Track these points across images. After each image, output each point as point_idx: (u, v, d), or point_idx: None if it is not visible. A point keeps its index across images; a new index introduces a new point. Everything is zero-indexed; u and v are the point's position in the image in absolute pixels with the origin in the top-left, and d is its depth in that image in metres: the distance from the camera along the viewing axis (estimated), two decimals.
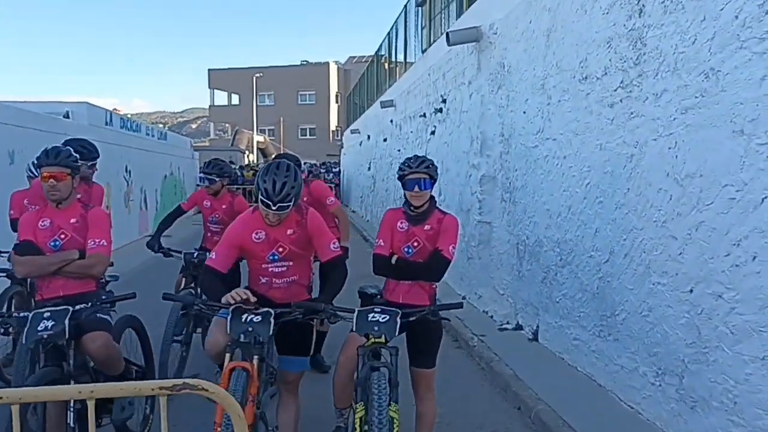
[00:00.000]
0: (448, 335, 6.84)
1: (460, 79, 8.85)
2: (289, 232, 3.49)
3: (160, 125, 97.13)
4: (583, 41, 5.18)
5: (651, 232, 4.24)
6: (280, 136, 57.42)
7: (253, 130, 49.15)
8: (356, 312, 3.28)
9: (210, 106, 64.30)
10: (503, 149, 7.14)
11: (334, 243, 3.57)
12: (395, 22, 17.69)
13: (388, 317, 3.25)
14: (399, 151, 14.32)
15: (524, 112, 6.52)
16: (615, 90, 4.70)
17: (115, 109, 56.13)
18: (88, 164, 5.02)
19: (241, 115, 54.90)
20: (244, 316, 3.18)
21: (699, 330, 3.74)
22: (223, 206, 5.72)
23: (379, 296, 3.76)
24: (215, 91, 62.43)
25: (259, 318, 3.17)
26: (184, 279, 5.54)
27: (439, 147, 10.09)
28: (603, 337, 4.89)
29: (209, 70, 62.31)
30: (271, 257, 3.49)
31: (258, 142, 49.11)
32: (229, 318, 3.18)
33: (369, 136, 20.73)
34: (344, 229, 5.71)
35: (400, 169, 3.59)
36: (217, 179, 5.59)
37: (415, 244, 3.61)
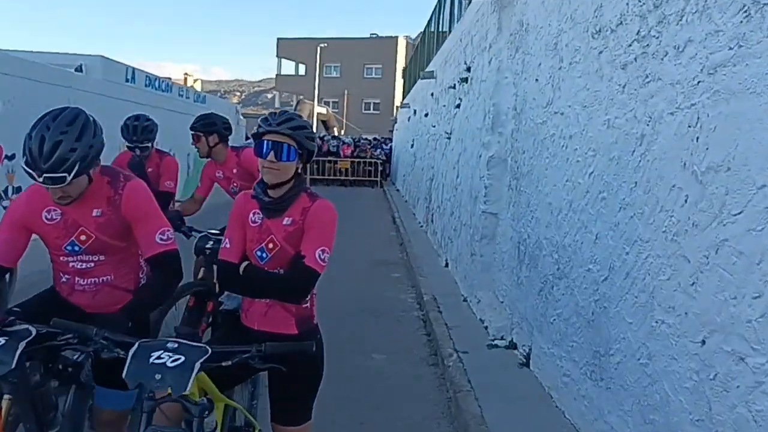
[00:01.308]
0: (428, 347, 5.69)
1: (483, 43, 7.53)
2: (95, 213, 2.44)
3: (237, 93, 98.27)
4: None
5: (659, 248, 2.95)
6: (344, 109, 56.83)
7: (313, 101, 48.54)
8: (136, 346, 2.02)
9: (276, 75, 64.16)
10: (515, 126, 5.85)
11: (163, 232, 2.48)
12: None
13: (181, 359, 1.96)
14: (434, 126, 13.08)
15: (536, 80, 5.21)
16: (629, 45, 3.37)
17: (185, 74, 56.46)
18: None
19: (306, 85, 54.38)
20: None
21: (710, 404, 2.46)
22: (149, 169, 4.76)
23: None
24: (283, 60, 62.24)
25: (2, 341, 2.11)
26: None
27: (461, 122, 8.82)
28: (594, 381, 3.63)
29: (278, 39, 62.07)
30: (69, 248, 2.46)
31: (320, 113, 48.53)
32: None
33: (415, 111, 19.45)
34: None
35: (258, 125, 2.43)
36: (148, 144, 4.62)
37: (270, 245, 2.44)
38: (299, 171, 2.46)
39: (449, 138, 9.84)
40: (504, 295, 5.82)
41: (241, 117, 27.04)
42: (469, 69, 8.38)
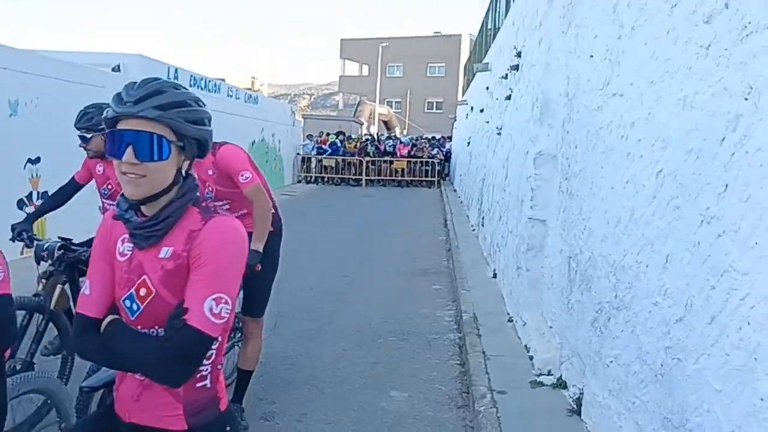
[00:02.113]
0: (459, 381, 4.76)
1: (534, 22, 6.51)
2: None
3: (306, 96, 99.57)
4: None
5: (763, 285, 1.94)
6: (406, 109, 56.18)
7: (375, 101, 47.99)
8: None
9: (340, 76, 64.22)
10: (566, 115, 4.82)
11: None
12: None
13: None
14: (487, 122, 12.04)
15: (591, 56, 4.18)
16: None
17: (252, 78, 57.44)
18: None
19: (369, 86, 54.06)
20: None
21: None
22: (98, 166, 4.02)
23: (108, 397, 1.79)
24: (347, 61, 62.32)
25: None
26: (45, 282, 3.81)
27: (511, 115, 7.79)
28: None
29: (341, 39, 62.28)
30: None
31: (381, 114, 47.98)
32: None
33: (472, 108, 18.37)
34: (258, 221, 3.64)
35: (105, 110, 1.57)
36: (88, 135, 3.82)
37: (143, 291, 1.59)
38: (184, 172, 1.60)
39: (499, 134, 8.82)
40: (553, 320, 4.81)
41: (297, 119, 26.66)
42: (519, 54, 7.35)
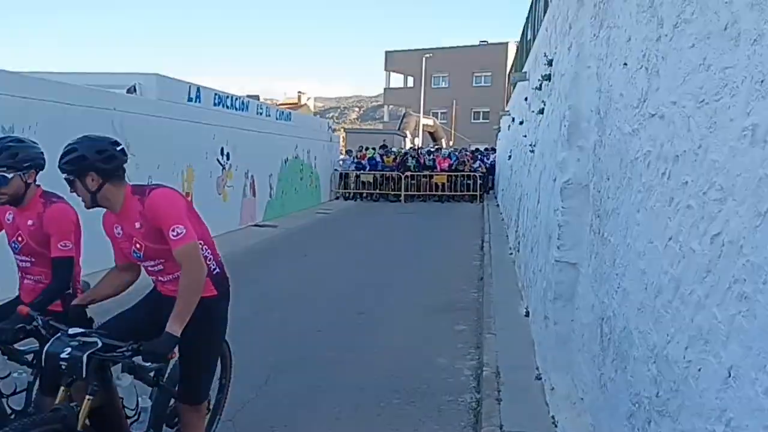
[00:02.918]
0: None
1: (564, 26, 5.60)
2: None
3: (356, 109, 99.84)
4: None
5: None
6: (452, 119, 55.39)
7: (419, 113, 47.26)
8: None
9: (385, 88, 63.96)
10: (598, 137, 3.90)
11: None
12: None
13: None
14: (525, 136, 11.07)
15: (624, 64, 3.27)
16: None
17: (299, 92, 57.26)
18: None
19: (414, 97, 53.54)
20: None
21: None
22: (29, 222, 3.27)
23: None
24: (392, 73, 62.08)
25: None
26: None
27: (544, 132, 6.87)
28: None
29: (386, 52, 62.11)
30: None
31: (426, 125, 47.25)
32: None
33: (513, 119, 17.35)
34: (182, 294, 2.72)
35: None
36: (9, 175, 3.12)
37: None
38: None
39: (532, 151, 7.88)
40: (584, 391, 3.87)
41: (336, 134, 26.07)
42: (550, 63, 6.43)
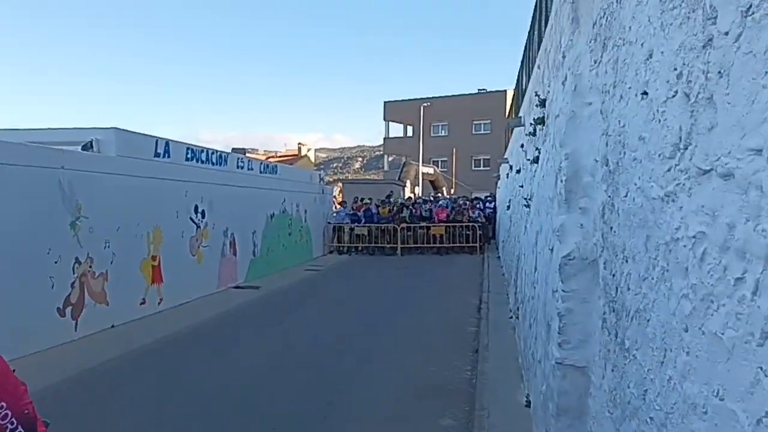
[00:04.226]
0: None
1: (557, 58, 4.60)
2: None
3: (359, 158, 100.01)
4: None
5: None
6: (452, 167, 54.82)
7: (419, 161, 46.60)
8: None
9: (384, 138, 63.76)
10: (607, 197, 2.81)
11: None
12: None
13: None
14: (521, 187, 10.04)
15: (644, 93, 2.19)
16: None
17: (300, 143, 56.88)
18: None
19: (413, 146, 53.13)
20: None
21: None
22: None
23: None
24: (390, 123, 62.04)
25: None
26: None
27: (539, 185, 5.80)
28: None
29: (384, 102, 62.28)
30: None
31: (426, 174, 46.52)
32: None
33: (511, 167, 16.37)
34: None
35: None
36: None
37: None
38: None
39: (527, 206, 6.80)
40: None
41: (327, 186, 25.13)
42: (543, 103, 5.40)
